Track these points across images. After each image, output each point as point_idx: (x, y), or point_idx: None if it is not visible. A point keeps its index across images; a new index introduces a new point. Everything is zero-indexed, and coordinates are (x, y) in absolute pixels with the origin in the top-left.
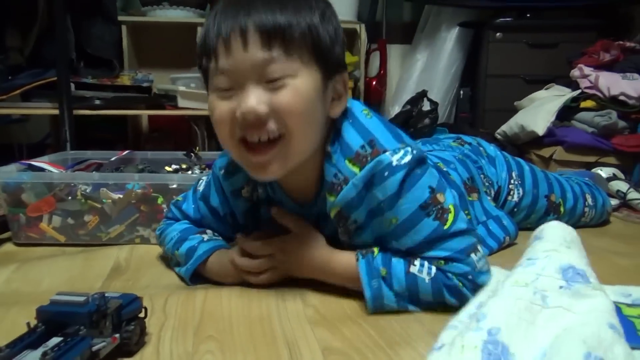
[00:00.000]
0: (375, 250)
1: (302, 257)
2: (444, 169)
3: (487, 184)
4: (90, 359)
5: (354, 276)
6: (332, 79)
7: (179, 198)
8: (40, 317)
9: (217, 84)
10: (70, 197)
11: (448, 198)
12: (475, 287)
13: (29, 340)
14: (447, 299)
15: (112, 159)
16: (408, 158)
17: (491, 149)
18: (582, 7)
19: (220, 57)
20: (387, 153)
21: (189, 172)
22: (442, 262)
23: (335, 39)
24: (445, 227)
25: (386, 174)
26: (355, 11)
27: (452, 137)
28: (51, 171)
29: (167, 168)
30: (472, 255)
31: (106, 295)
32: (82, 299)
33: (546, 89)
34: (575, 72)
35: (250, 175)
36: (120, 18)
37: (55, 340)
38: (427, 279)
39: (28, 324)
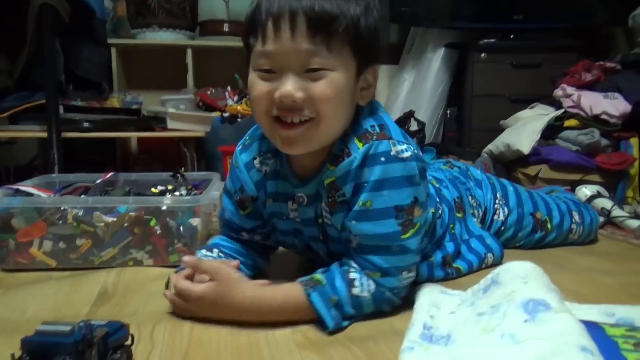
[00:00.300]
0: (320, 278)
1: (229, 300)
2: (437, 186)
3: (475, 205)
4: None
5: (299, 308)
6: (365, 70)
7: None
8: (24, 348)
9: (260, 64)
10: (61, 221)
11: (421, 217)
12: (400, 298)
13: None
14: (384, 309)
15: (97, 181)
16: (407, 154)
17: (478, 172)
18: (564, 29)
19: (267, 40)
20: (391, 141)
21: (176, 193)
22: (379, 274)
23: (375, 33)
24: (402, 236)
25: (382, 159)
26: None
27: (442, 161)
28: (40, 196)
29: (153, 190)
30: (404, 273)
31: (92, 323)
32: (67, 328)
33: (530, 108)
34: (558, 92)
35: (279, 148)
36: (110, 41)
37: None
38: (368, 296)
39: (12, 355)
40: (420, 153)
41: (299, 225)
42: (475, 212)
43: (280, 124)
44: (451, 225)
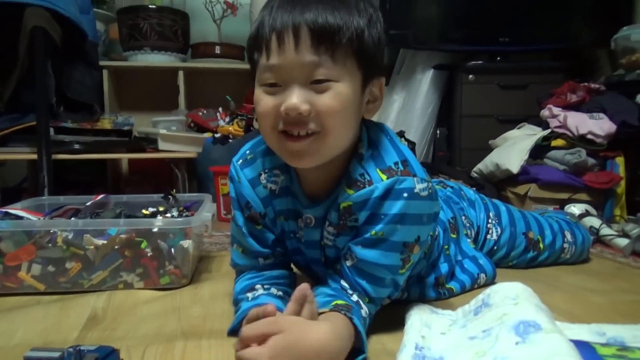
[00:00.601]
0: (348, 303)
1: (305, 342)
2: None
3: (467, 224)
4: None
5: (349, 334)
6: (371, 83)
7: (234, 247)
8: None
9: (265, 78)
10: (50, 245)
11: (417, 255)
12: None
13: None
14: None
15: (88, 203)
16: (426, 193)
17: (471, 192)
18: (549, 51)
19: (271, 54)
20: (415, 179)
21: (167, 214)
22: (367, 300)
23: (378, 45)
24: (400, 270)
25: (405, 195)
26: None
27: (435, 181)
28: (30, 219)
29: (144, 211)
30: (383, 302)
31: (82, 349)
32: (56, 354)
33: (518, 128)
34: (544, 112)
35: (287, 162)
36: (102, 63)
37: None
38: (367, 319)
39: None
40: (437, 191)
41: (302, 246)
42: (469, 232)
43: (287, 136)
44: (446, 247)
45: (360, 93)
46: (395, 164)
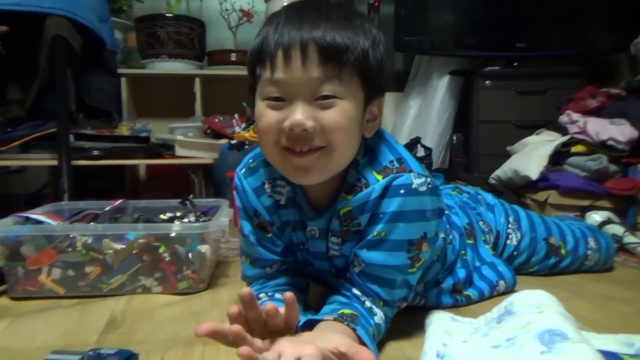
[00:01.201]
0: (355, 313)
1: None
2: (446, 212)
3: (486, 229)
4: None
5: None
6: (372, 103)
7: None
8: None
9: (268, 92)
10: (70, 249)
11: (426, 252)
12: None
13: None
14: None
15: (107, 208)
16: (424, 188)
17: (490, 197)
18: (567, 56)
19: (276, 69)
20: (412, 174)
21: (184, 219)
22: (382, 303)
23: (381, 66)
24: (409, 270)
25: (402, 191)
26: None
27: (451, 186)
28: (50, 223)
29: (162, 216)
30: (400, 304)
31: (101, 352)
32: (77, 358)
33: (537, 134)
34: (563, 118)
35: (291, 179)
36: (120, 70)
37: None
38: (382, 324)
39: None
40: (438, 186)
41: (310, 257)
42: (487, 237)
43: (291, 152)
44: (462, 252)
45: (362, 111)
46: (391, 162)
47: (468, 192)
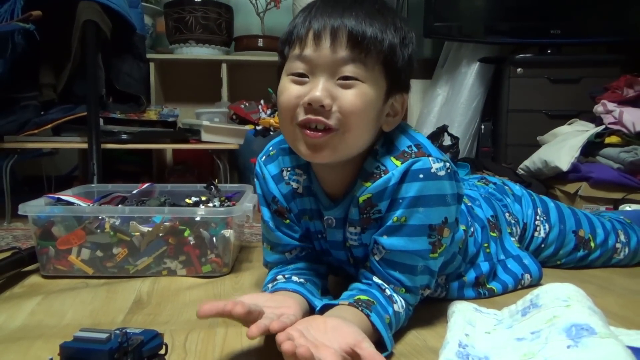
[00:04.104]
0: (371, 300)
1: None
2: (469, 204)
3: (512, 221)
4: None
5: (366, 330)
6: (394, 96)
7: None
8: (63, 354)
9: (294, 68)
10: (99, 230)
11: (448, 238)
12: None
13: None
14: (404, 325)
15: (134, 191)
16: (443, 172)
17: (517, 188)
18: (604, 43)
19: (305, 47)
20: (431, 158)
21: (209, 204)
22: (404, 290)
23: (408, 63)
24: (431, 255)
25: (421, 176)
26: None
27: (477, 177)
28: (80, 205)
29: (187, 200)
30: (423, 291)
31: (128, 331)
32: (104, 336)
33: (569, 124)
34: (598, 108)
35: (303, 157)
36: (149, 56)
37: None
38: (403, 312)
39: (51, 359)
40: (457, 171)
41: (327, 247)
42: (514, 229)
43: (306, 130)
44: (485, 244)
45: (382, 101)
46: (409, 147)
47: (494, 183)
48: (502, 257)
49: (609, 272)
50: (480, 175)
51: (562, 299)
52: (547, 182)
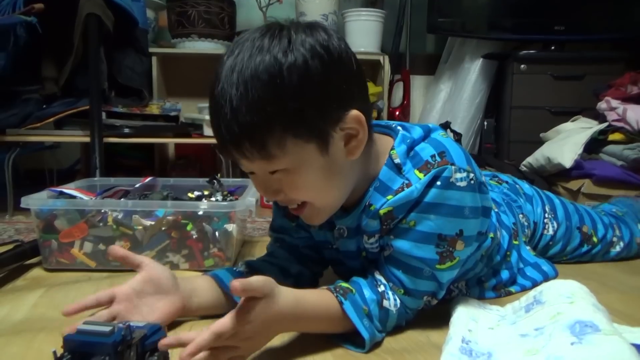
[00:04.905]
0: (351, 288)
1: (277, 310)
2: (496, 210)
3: (525, 223)
4: None
5: (332, 316)
6: (332, 134)
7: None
8: (66, 347)
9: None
10: (101, 224)
11: (463, 252)
12: (414, 314)
13: None
14: (401, 324)
15: (137, 185)
16: (464, 183)
17: (527, 187)
18: (609, 40)
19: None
20: (453, 167)
21: (212, 198)
22: (402, 291)
23: (322, 101)
24: (437, 266)
25: (438, 183)
26: (379, 43)
27: (489, 174)
28: (82, 198)
29: (189, 194)
30: (426, 297)
31: (131, 324)
32: (107, 329)
33: (572, 121)
34: (602, 105)
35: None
36: (151, 50)
37: None
38: (394, 310)
39: (54, 352)
40: (484, 183)
41: (341, 256)
42: (526, 230)
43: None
44: (508, 253)
45: (323, 155)
46: (432, 156)
47: (507, 182)
48: (520, 265)
49: (612, 269)
50: (492, 172)
51: (566, 295)
52: (549, 179)
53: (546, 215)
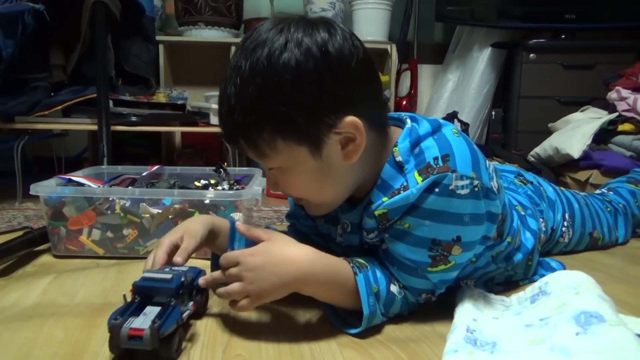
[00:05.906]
0: (366, 264)
1: (286, 254)
2: (522, 213)
3: (544, 229)
4: (180, 323)
5: (344, 284)
6: (324, 139)
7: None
8: (135, 291)
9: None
10: (109, 212)
11: (460, 256)
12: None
13: (131, 309)
14: (404, 313)
15: (144, 173)
16: (465, 191)
17: (550, 190)
18: (620, 29)
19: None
20: (454, 174)
21: (218, 187)
22: (401, 285)
23: (313, 107)
24: (429, 268)
25: (437, 190)
26: (387, 31)
27: (514, 172)
28: (90, 186)
29: (196, 183)
30: (423, 295)
31: (182, 270)
32: (169, 275)
33: (582, 111)
34: (612, 95)
35: None
36: (158, 38)
37: (151, 309)
38: (399, 297)
39: (124, 295)
40: (490, 188)
41: (345, 251)
42: (542, 236)
43: None
44: (530, 256)
45: (316, 159)
46: (435, 159)
47: (531, 183)
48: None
49: (618, 260)
50: (517, 170)
51: (571, 286)
52: (557, 169)
53: (565, 223)
